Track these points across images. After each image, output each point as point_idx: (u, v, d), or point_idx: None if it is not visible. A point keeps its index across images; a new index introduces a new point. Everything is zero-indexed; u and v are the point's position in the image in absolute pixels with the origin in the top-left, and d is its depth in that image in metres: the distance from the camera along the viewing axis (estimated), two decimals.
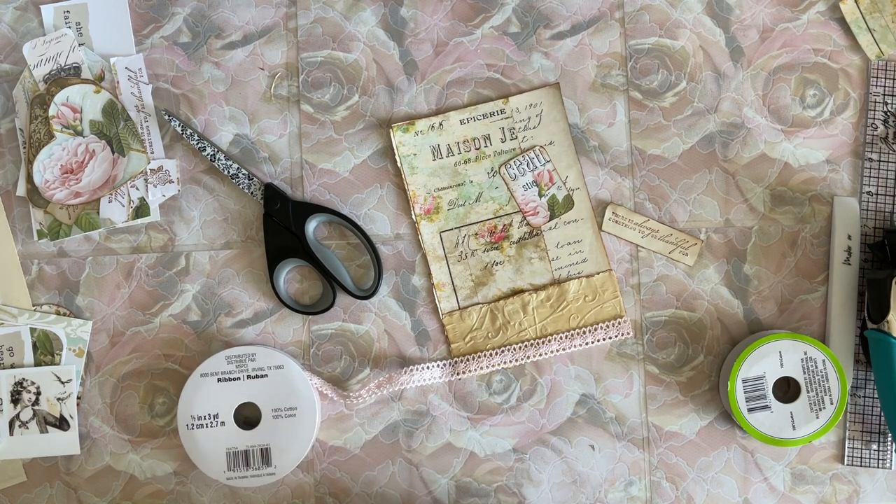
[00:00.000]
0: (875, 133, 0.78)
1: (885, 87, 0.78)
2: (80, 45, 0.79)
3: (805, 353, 0.74)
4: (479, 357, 0.78)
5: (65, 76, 0.78)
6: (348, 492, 0.78)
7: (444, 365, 0.77)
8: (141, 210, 0.78)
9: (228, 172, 0.77)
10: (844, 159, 0.78)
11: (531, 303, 0.78)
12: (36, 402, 0.77)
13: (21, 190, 0.78)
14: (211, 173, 0.79)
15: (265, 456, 0.76)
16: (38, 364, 0.78)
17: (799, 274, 0.78)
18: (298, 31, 0.79)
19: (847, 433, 0.77)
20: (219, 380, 0.76)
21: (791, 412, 0.74)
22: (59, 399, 0.77)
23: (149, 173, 0.78)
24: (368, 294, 0.77)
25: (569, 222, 0.78)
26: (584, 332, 0.78)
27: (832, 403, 0.74)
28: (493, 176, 0.78)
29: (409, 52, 0.79)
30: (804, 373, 0.74)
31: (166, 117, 0.77)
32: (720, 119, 0.79)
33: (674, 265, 0.78)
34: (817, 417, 0.74)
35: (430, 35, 0.79)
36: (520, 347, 0.78)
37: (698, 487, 0.77)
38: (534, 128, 0.78)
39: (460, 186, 0.78)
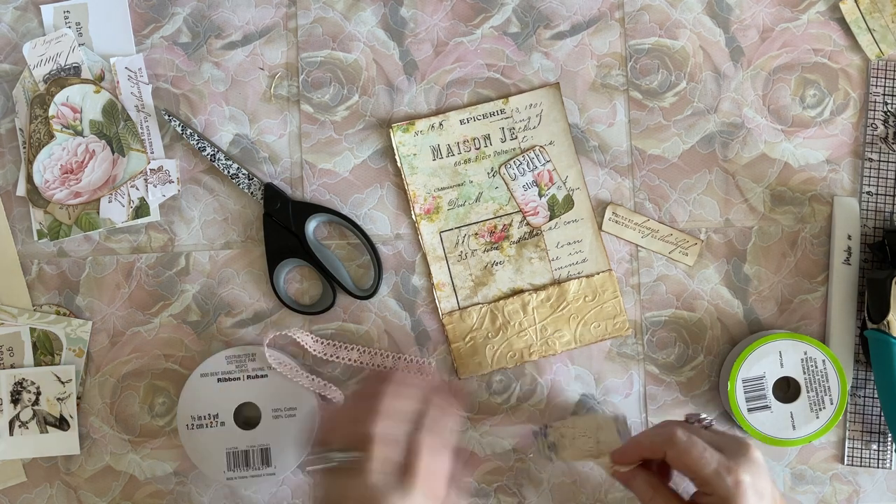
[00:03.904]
0: (875, 133, 0.78)
1: (885, 87, 0.78)
2: (80, 45, 0.79)
3: (805, 353, 0.74)
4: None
5: (65, 76, 0.78)
6: None
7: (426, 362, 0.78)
8: (141, 210, 0.78)
9: (228, 172, 0.77)
10: (844, 159, 0.78)
11: (531, 303, 0.78)
12: (36, 402, 0.77)
13: (21, 190, 0.78)
14: (211, 173, 0.79)
15: (265, 456, 0.76)
16: (38, 364, 0.78)
17: (799, 274, 0.78)
18: (298, 31, 0.79)
19: (847, 433, 0.77)
20: (219, 380, 0.76)
21: (791, 412, 0.74)
22: (59, 399, 0.77)
23: (149, 173, 0.78)
24: (368, 294, 0.77)
25: (569, 222, 0.78)
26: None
27: (832, 403, 0.74)
28: (493, 176, 0.78)
29: (409, 52, 0.79)
30: (804, 373, 0.74)
31: (166, 117, 0.77)
32: (720, 119, 0.79)
33: (674, 265, 0.78)
34: (817, 417, 0.74)
35: (430, 35, 0.79)
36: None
37: None
38: (534, 128, 0.78)
39: (460, 186, 0.78)
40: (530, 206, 0.78)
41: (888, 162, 0.78)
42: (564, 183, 0.78)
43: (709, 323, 0.78)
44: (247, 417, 0.77)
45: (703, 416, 0.66)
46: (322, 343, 0.77)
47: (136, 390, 0.78)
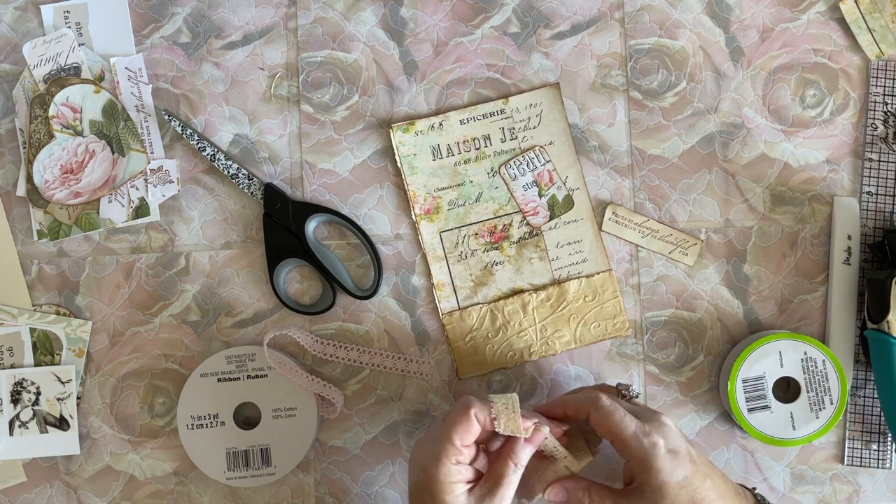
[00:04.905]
0: (875, 133, 0.78)
1: (885, 87, 0.78)
2: (80, 45, 0.79)
3: (805, 353, 0.74)
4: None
5: (65, 76, 0.78)
6: (348, 492, 0.78)
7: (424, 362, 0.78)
8: (141, 210, 0.78)
9: (228, 172, 0.77)
10: (844, 159, 0.78)
11: (531, 303, 0.78)
12: (36, 402, 0.77)
13: (21, 190, 0.78)
14: (211, 173, 0.79)
15: (265, 456, 0.76)
16: (38, 364, 0.78)
17: (799, 274, 0.78)
18: (298, 31, 0.79)
19: (847, 433, 0.77)
20: (219, 380, 0.76)
21: (791, 412, 0.74)
22: (59, 399, 0.77)
23: (149, 173, 0.78)
24: (368, 294, 0.77)
25: (569, 222, 0.78)
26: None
27: (832, 403, 0.74)
28: (493, 176, 0.78)
29: (409, 52, 0.79)
30: (804, 373, 0.74)
31: (166, 117, 0.77)
32: (720, 119, 0.79)
33: (674, 265, 0.78)
34: (817, 417, 0.74)
35: (430, 35, 0.79)
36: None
37: None
38: (534, 128, 0.78)
39: (460, 186, 0.78)
40: (530, 206, 0.78)
41: (888, 162, 0.78)
42: (564, 183, 0.78)
43: (709, 323, 0.78)
44: (247, 417, 0.77)
45: (633, 387, 0.71)
46: (322, 343, 0.77)
47: (136, 390, 0.78)
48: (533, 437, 0.65)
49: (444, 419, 0.65)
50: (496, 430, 0.64)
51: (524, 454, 0.65)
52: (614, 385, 0.71)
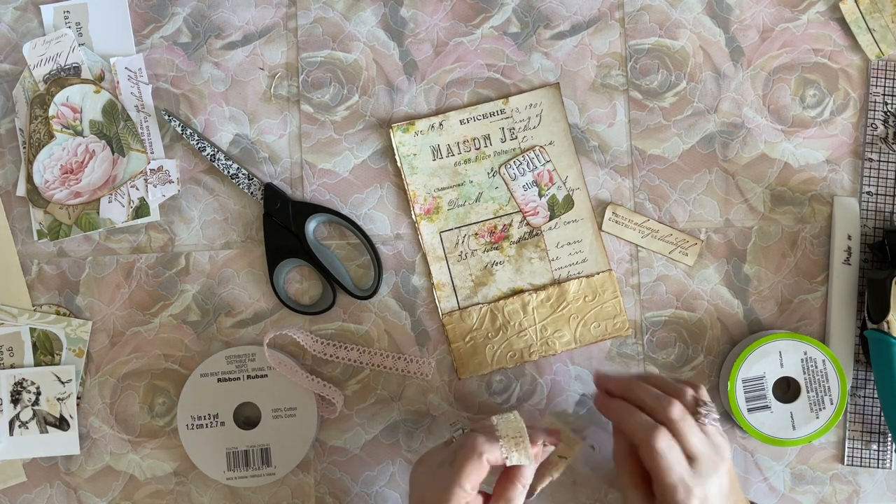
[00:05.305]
0: (875, 133, 0.78)
1: (885, 87, 0.78)
2: (80, 45, 0.79)
3: (805, 353, 0.74)
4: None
5: (65, 76, 0.78)
6: (348, 492, 0.78)
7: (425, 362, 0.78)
8: (141, 210, 0.78)
9: (228, 172, 0.77)
10: (844, 159, 0.78)
11: (531, 303, 0.78)
12: (36, 402, 0.77)
13: (21, 190, 0.78)
14: (211, 173, 0.79)
15: (265, 456, 0.76)
16: (38, 364, 0.78)
17: (799, 274, 0.78)
18: (298, 31, 0.79)
19: (847, 433, 0.77)
20: (219, 380, 0.76)
21: (791, 412, 0.74)
22: (59, 399, 0.77)
23: (149, 173, 0.78)
24: (368, 294, 0.77)
25: (569, 222, 0.78)
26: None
27: (832, 403, 0.74)
28: (493, 176, 0.78)
29: (409, 52, 0.79)
30: (804, 373, 0.74)
31: (166, 117, 0.77)
32: (720, 119, 0.79)
33: (674, 265, 0.78)
34: (817, 417, 0.74)
35: (430, 35, 0.79)
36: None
37: None
38: (534, 128, 0.78)
39: (460, 186, 0.78)
40: (530, 206, 0.78)
41: (888, 162, 0.78)
42: (564, 183, 0.78)
43: (709, 323, 0.78)
44: (247, 417, 0.77)
45: (713, 413, 0.66)
46: (322, 343, 0.77)
47: (136, 390, 0.78)
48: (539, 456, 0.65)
49: (454, 461, 0.63)
50: (507, 464, 0.64)
51: (530, 473, 0.65)
52: (692, 389, 0.66)
